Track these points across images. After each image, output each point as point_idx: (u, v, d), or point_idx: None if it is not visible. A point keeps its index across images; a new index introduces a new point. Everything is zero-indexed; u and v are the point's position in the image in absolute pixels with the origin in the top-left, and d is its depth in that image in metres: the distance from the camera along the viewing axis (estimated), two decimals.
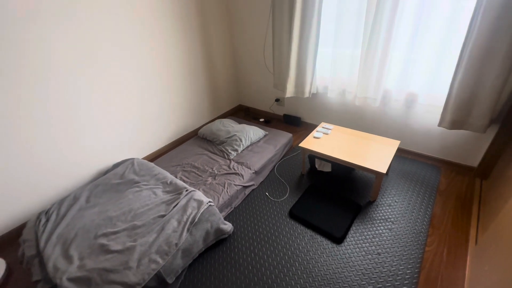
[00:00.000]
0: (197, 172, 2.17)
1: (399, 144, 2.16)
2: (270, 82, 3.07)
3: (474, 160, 2.12)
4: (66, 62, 1.84)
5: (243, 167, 2.19)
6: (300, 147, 2.10)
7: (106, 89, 2.12)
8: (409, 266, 1.48)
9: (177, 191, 1.81)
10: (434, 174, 2.14)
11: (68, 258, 1.45)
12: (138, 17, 2.15)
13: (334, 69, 2.43)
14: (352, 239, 1.67)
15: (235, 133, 2.47)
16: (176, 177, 2.11)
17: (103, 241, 1.52)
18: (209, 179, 2.07)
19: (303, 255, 1.60)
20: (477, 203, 1.85)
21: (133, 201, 1.78)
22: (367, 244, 1.63)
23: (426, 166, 2.25)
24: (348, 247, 1.62)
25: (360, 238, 1.67)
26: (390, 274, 1.45)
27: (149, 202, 1.76)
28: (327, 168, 2.16)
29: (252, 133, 2.51)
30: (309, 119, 3.04)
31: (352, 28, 2.18)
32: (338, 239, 1.65)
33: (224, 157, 2.33)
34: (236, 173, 2.11)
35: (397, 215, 1.80)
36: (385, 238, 1.65)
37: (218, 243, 1.71)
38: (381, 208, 1.87)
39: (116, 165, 2.23)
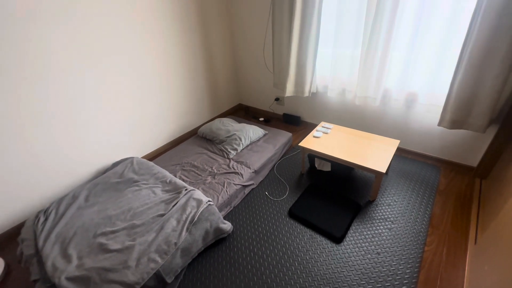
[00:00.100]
0: (197, 171, 2.17)
1: (399, 144, 2.16)
2: (270, 81, 3.06)
3: (474, 160, 2.12)
4: (66, 61, 1.84)
5: (243, 166, 2.18)
6: (299, 146, 2.09)
7: (106, 88, 2.12)
8: (409, 266, 1.48)
9: (176, 190, 1.81)
10: (434, 174, 2.14)
11: (66, 257, 1.45)
12: (138, 17, 2.15)
13: (334, 68, 2.43)
14: (351, 238, 1.67)
15: (235, 132, 2.46)
16: (175, 176, 2.10)
17: (102, 240, 1.52)
18: (209, 178, 2.06)
19: (302, 255, 1.60)
20: (476, 202, 1.85)
21: (132, 200, 1.78)
22: (367, 244, 1.62)
23: (426, 165, 2.25)
24: (347, 246, 1.62)
25: (359, 237, 1.67)
26: (390, 273, 1.45)
27: (149, 201, 1.75)
28: (327, 167, 2.16)
29: (251, 132, 2.51)
30: (309, 119, 3.03)
31: (352, 28, 2.18)
32: (337, 239, 1.65)
33: (224, 156, 2.33)
34: (235, 172, 2.10)
35: (396, 215, 1.80)
36: (384, 237, 1.65)
37: (217, 243, 1.70)
38: (380, 208, 1.87)
39: (116, 164, 2.23)
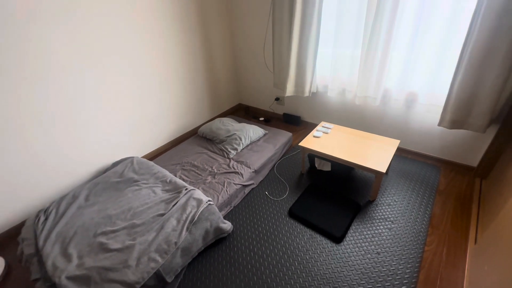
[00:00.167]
0: (197, 171, 2.17)
1: (399, 144, 2.16)
2: (270, 81, 3.06)
3: (474, 160, 2.12)
4: (66, 62, 1.84)
5: (243, 166, 2.18)
6: (300, 146, 2.10)
7: (106, 88, 2.12)
8: (409, 266, 1.48)
9: (176, 190, 1.81)
10: (434, 174, 2.15)
11: (67, 256, 1.45)
12: (138, 17, 2.15)
13: (334, 68, 2.43)
14: (351, 238, 1.67)
15: (235, 132, 2.47)
16: (175, 176, 2.10)
17: (102, 239, 1.52)
18: (209, 178, 2.06)
19: (302, 254, 1.60)
20: (476, 202, 1.85)
21: (132, 200, 1.78)
22: (367, 244, 1.63)
23: (426, 165, 2.25)
24: (347, 246, 1.62)
25: (359, 237, 1.67)
26: (390, 273, 1.45)
27: (149, 201, 1.75)
28: (327, 167, 2.16)
29: (251, 132, 2.51)
30: (309, 118, 3.03)
31: (352, 28, 2.18)
32: (337, 239, 1.65)
33: (224, 156, 2.33)
34: (235, 172, 2.11)
35: (396, 215, 1.80)
36: (384, 237, 1.65)
37: (217, 242, 1.70)
38: (380, 208, 1.87)
39: (116, 164, 2.23)
